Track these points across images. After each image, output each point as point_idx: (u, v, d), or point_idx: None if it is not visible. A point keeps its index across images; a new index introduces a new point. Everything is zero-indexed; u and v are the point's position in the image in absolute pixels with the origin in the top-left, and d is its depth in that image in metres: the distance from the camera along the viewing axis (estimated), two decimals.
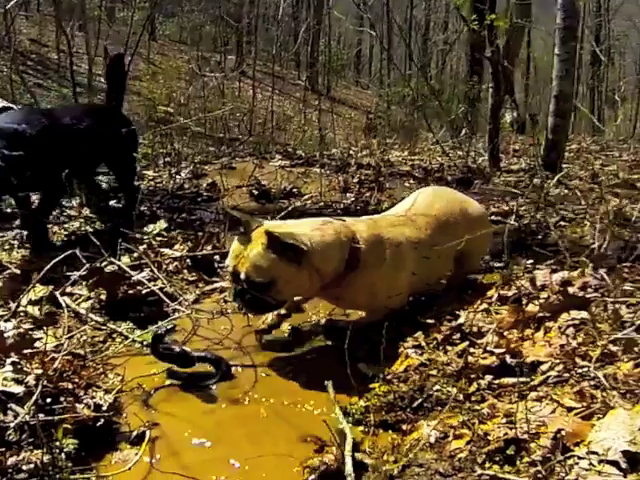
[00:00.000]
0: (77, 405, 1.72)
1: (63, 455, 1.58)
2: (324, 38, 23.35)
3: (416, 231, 2.46)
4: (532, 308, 2.20)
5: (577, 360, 1.81)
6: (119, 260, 2.90)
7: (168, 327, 2.28)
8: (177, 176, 5.87)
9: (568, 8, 5.74)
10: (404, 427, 1.79)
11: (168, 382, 2.09)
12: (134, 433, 1.76)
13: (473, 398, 1.80)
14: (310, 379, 2.12)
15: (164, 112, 16.36)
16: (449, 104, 18.92)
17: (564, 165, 6.53)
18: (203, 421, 1.89)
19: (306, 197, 5.01)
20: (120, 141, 4.10)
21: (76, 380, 1.85)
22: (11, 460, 1.48)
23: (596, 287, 2.30)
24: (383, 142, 11.45)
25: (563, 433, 1.44)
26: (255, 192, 5.08)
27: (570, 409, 1.57)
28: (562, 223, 4.00)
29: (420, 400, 1.85)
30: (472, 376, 1.87)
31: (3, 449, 1.49)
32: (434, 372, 1.97)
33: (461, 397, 1.80)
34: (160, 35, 24.39)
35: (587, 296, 2.20)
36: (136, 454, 1.69)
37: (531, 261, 3.04)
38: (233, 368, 2.18)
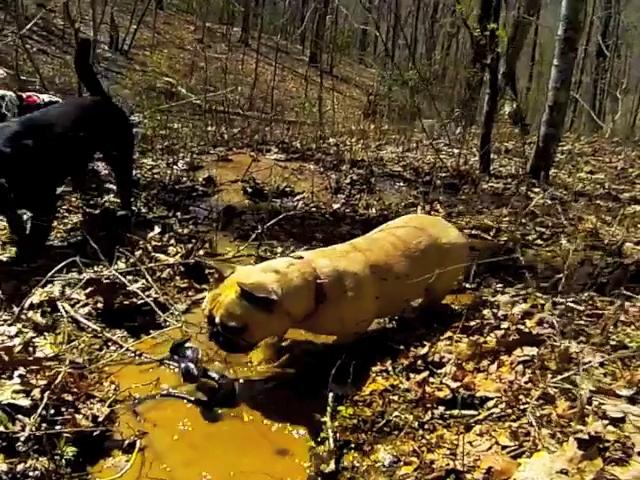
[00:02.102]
0: (77, 416, 1.94)
1: (63, 462, 1.81)
2: (331, 14, 23.29)
3: (372, 255, 2.60)
4: (490, 341, 2.43)
5: (521, 397, 2.04)
6: (115, 264, 3.13)
7: (185, 339, 2.47)
8: (174, 166, 6.05)
9: (571, 20, 5.87)
10: (365, 448, 2.02)
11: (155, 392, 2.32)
12: (126, 441, 1.99)
13: (426, 426, 2.03)
14: (289, 396, 2.36)
15: (166, 83, 16.48)
16: (450, 89, 18.99)
17: (553, 170, 6.74)
18: (189, 432, 2.12)
19: (298, 197, 5.21)
20: (114, 136, 4.10)
21: (75, 391, 2.08)
22: (19, 467, 1.71)
23: (552, 323, 2.52)
24: (380, 128, 11.64)
25: (493, 470, 1.68)
26: (249, 190, 5.27)
27: (504, 447, 1.80)
28: (539, 242, 4.20)
29: (380, 424, 2.08)
30: (428, 405, 2.10)
31: (14, 459, 1.72)
32: (395, 398, 2.20)
33: (416, 424, 2.04)
34: (167, 4, 24.30)
35: (541, 332, 2.43)
36: (127, 461, 1.92)
37: (501, 285, 3.27)
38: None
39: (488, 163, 6.57)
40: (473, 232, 4.37)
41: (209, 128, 10.78)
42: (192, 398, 2.28)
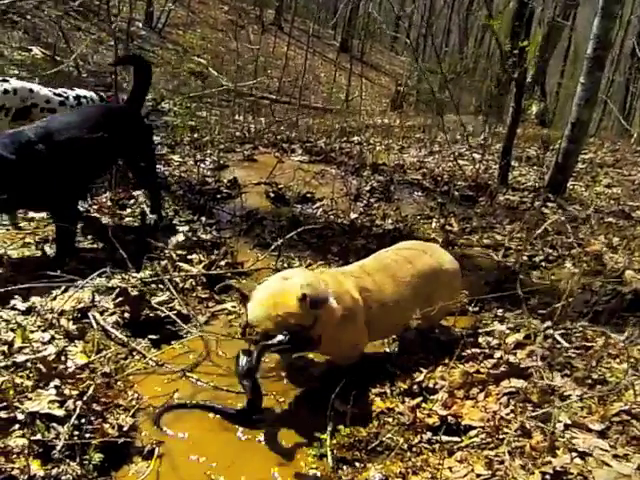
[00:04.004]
0: (104, 425, 2.20)
1: (91, 466, 2.06)
2: (365, 1, 23.33)
3: (363, 282, 2.79)
4: (482, 369, 2.64)
5: (501, 428, 2.26)
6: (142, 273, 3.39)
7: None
8: (201, 165, 6.30)
9: (601, 40, 5.91)
10: (358, 465, 2.25)
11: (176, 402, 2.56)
12: (146, 449, 2.24)
13: (414, 449, 2.26)
14: (295, 412, 2.60)
15: (197, 63, 16.67)
16: (481, 83, 18.97)
17: (571, 182, 6.83)
18: (203, 442, 2.36)
19: (318, 204, 5.41)
20: (133, 145, 4.24)
21: (103, 400, 2.33)
22: (54, 472, 1.97)
23: (542, 356, 2.72)
24: (405, 124, 11.76)
25: None
26: (272, 194, 5.49)
27: (479, 475, 2.02)
28: (545, 263, 4.35)
29: (374, 444, 2.31)
30: (418, 430, 2.33)
31: (48, 464, 1.98)
32: (390, 420, 2.43)
33: (405, 447, 2.26)
34: None
35: (530, 365, 2.64)
36: (147, 467, 2.17)
37: (501, 310, 3.46)
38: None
39: (507, 175, 6.69)
40: (482, 251, 4.53)
41: (237, 117, 11.02)
42: (219, 406, 2.52)
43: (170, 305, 3.13)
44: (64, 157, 3.59)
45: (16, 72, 9.84)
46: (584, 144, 7.63)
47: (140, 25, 17.44)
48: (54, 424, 2.12)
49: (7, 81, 4.85)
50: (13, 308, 3.05)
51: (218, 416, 2.50)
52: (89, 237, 4.11)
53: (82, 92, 5.39)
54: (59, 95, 5.14)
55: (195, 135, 7.97)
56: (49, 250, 3.85)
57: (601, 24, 5.91)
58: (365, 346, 2.87)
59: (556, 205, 5.95)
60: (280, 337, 2.39)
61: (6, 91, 4.72)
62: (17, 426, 2.08)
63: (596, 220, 5.53)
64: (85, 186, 4.24)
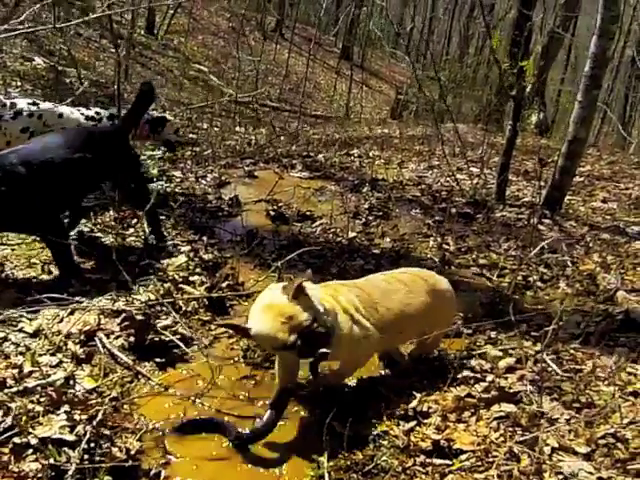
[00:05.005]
0: (113, 449, 2.30)
1: None
2: (367, 6, 23.53)
3: (357, 292, 2.84)
4: (474, 393, 2.75)
5: (491, 451, 2.36)
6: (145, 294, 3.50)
7: None
8: (203, 181, 6.43)
9: (599, 59, 5.99)
10: None
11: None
12: (152, 471, 2.34)
13: (408, 472, 2.36)
14: (295, 434, 2.69)
15: (198, 70, 16.80)
16: (479, 93, 19.11)
17: (568, 197, 6.92)
18: (206, 464, 2.45)
19: (317, 223, 5.52)
20: (118, 168, 4.22)
21: (111, 424, 2.44)
22: None
23: (532, 380, 2.83)
24: (405, 134, 11.87)
25: None
26: (272, 212, 5.61)
27: None
28: (539, 283, 4.44)
29: (370, 467, 2.41)
30: (412, 453, 2.43)
31: None
32: (385, 443, 2.53)
33: (400, 469, 2.37)
34: None
35: (520, 389, 2.75)
36: None
37: (495, 333, 3.56)
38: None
39: (504, 191, 6.79)
40: (478, 271, 4.63)
41: (237, 128, 11.15)
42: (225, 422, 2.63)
43: (174, 329, 3.23)
44: (44, 179, 3.63)
45: (19, 84, 9.98)
46: (581, 160, 7.70)
47: (142, 32, 17.56)
48: (65, 448, 2.22)
49: (37, 104, 4.95)
50: (21, 330, 3.16)
51: (221, 437, 2.60)
52: (92, 258, 4.21)
53: (115, 111, 5.50)
54: (92, 118, 5.19)
55: (196, 149, 8.10)
56: (55, 271, 3.95)
57: (599, 42, 5.99)
58: (374, 347, 2.91)
59: (552, 222, 6.05)
60: (293, 339, 2.44)
61: (31, 114, 4.84)
62: (30, 451, 2.19)
63: (591, 238, 5.62)
64: (68, 208, 4.23)
